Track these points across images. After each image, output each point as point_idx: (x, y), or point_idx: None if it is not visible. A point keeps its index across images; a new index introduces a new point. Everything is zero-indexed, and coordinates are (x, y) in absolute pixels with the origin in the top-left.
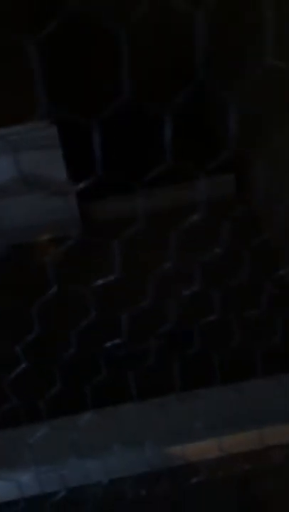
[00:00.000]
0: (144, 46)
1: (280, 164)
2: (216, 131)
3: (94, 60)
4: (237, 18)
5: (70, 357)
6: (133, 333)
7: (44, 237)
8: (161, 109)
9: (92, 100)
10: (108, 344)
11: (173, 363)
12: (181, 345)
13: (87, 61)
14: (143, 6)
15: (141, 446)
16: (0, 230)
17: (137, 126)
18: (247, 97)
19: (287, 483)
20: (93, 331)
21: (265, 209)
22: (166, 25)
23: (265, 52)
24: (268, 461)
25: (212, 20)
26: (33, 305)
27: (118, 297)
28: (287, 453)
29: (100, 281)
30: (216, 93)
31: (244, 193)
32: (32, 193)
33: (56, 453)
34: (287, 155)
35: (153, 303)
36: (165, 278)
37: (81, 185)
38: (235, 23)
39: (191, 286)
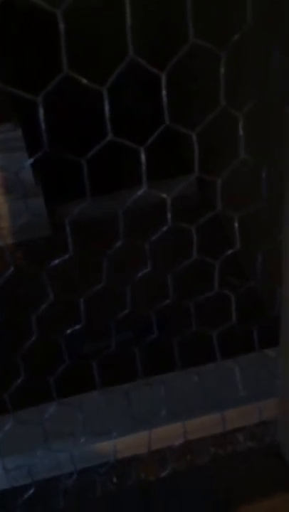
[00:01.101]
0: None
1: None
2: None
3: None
4: None
5: (31, 344)
6: (93, 320)
7: (11, 241)
8: (99, 84)
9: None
10: (68, 331)
11: (134, 349)
12: (142, 332)
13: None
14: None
15: (107, 435)
16: None
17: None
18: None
19: (253, 465)
20: (54, 318)
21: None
22: None
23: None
24: (233, 444)
25: None
26: None
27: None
28: (250, 436)
29: (56, 261)
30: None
31: (207, 193)
32: None
33: (23, 446)
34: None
35: (108, 287)
36: (120, 263)
37: (30, 161)
38: None
39: (144, 268)
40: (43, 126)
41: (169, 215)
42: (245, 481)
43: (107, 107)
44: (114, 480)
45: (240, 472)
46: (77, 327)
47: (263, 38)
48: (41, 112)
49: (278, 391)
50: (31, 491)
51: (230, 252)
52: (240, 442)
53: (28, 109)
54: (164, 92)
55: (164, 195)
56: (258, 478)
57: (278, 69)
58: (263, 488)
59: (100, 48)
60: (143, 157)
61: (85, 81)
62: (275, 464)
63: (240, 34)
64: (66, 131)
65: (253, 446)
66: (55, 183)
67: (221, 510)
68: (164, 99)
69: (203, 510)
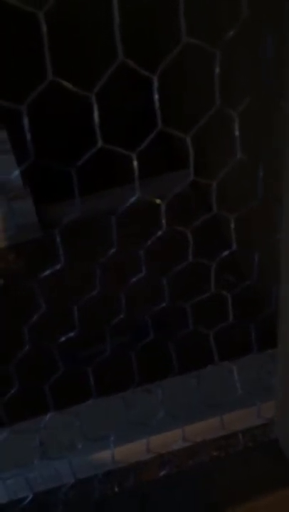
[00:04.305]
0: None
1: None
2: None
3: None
4: None
5: (24, 355)
6: (88, 327)
7: (1, 244)
8: (87, 90)
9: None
10: (62, 338)
11: (131, 355)
12: (138, 336)
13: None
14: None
15: (106, 442)
16: None
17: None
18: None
19: (252, 465)
20: (48, 325)
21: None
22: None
23: None
24: (232, 446)
25: None
26: None
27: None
28: (251, 437)
29: (47, 272)
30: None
31: (200, 189)
32: None
33: (20, 457)
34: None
35: (102, 292)
36: (114, 267)
37: (16, 173)
38: None
39: (138, 273)
40: (28, 136)
41: (163, 221)
42: (244, 480)
43: (96, 113)
44: (114, 486)
45: (240, 472)
46: (71, 334)
47: (256, 29)
48: (26, 121)
49: (276, 391)
50: (29, 503)
51: (226, 253)
52: (240, 443)
53: (12, 109)
54: (156, 97)
55: (158, 201)
56: (257, 478)
57: (271, 59)
58: (263, 487)
59: (90, 49)
60: (135, 164)
61: (71, 87)
62: (274, 462)
63: (235, 27)
64: (55, 130)
65: (253, 447)
66: (44, 183)
67: (220, 510)
68: (156, 103)
69: None
